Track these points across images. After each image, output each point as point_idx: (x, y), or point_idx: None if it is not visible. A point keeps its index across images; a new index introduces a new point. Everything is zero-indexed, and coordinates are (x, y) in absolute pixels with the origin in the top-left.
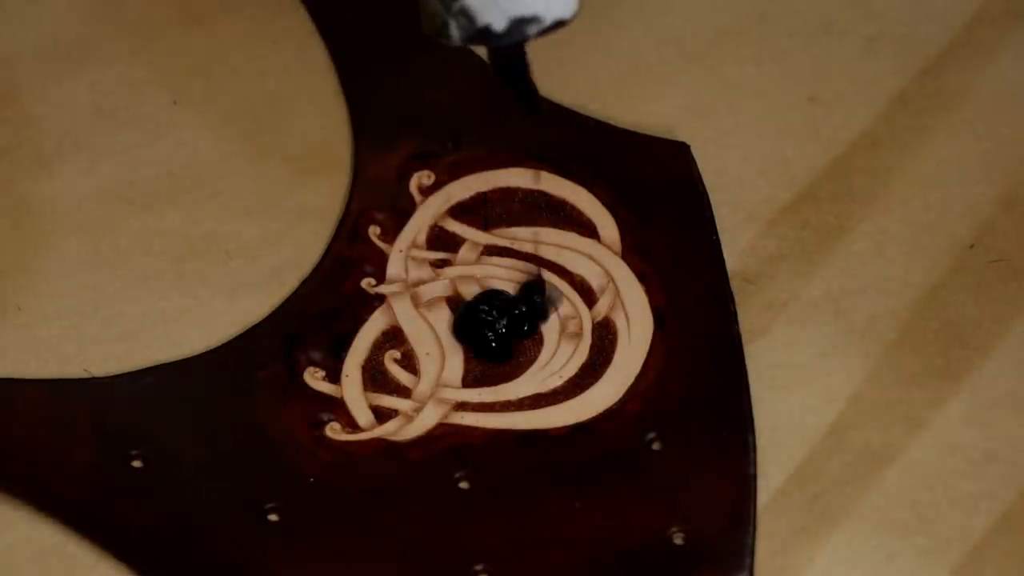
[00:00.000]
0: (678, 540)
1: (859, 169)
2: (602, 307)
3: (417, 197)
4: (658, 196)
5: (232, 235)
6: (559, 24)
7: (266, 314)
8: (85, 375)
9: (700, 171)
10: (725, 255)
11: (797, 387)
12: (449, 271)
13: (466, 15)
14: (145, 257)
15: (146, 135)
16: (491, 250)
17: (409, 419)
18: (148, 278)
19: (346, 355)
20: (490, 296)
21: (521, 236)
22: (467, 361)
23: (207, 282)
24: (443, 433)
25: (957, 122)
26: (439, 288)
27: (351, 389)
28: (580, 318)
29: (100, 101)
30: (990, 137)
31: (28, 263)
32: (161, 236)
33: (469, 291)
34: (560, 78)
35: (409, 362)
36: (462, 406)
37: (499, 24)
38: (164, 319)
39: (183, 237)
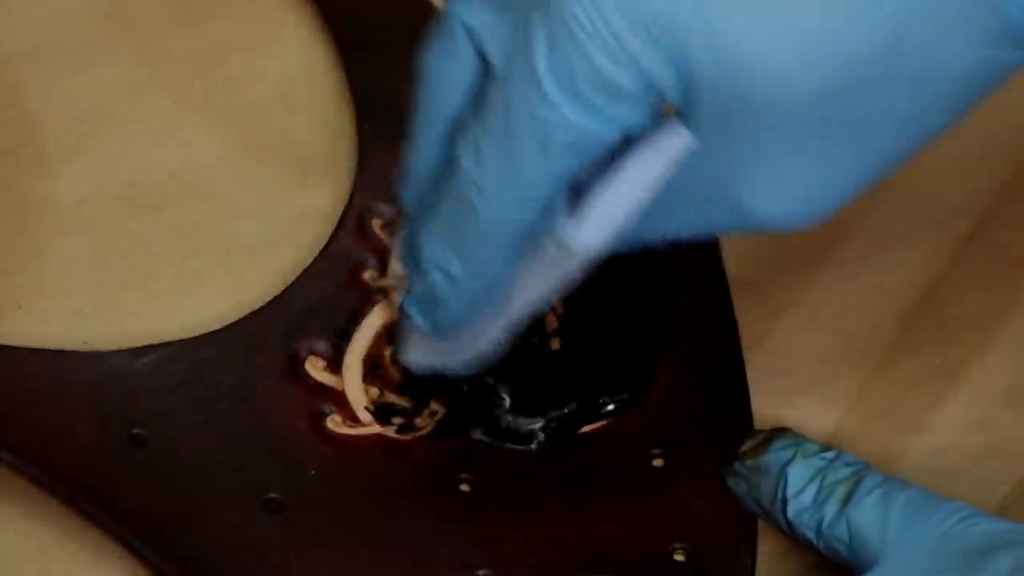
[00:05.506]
0: (679, 556)
1: None
2: None
3: None
4: None
5: (232, 235)
6: None
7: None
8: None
9: None
10: (724, 259)
11: (797, 395)
12: None
13: None
14: (145, 257)
15: (146, 135)
16: None
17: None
18: (148, 278)
19: (347, 346)
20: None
21: None
22: None
23: (207, 282)
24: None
25: None
26: None
27: (352, 382)
28: None
29: (100, 101)
30: (989, 125)
31: (28, 263)
32: (161, 236)
33: None
34: None
35: None
36: None
37: None
38: (164, 319)
39: (183, 237)
